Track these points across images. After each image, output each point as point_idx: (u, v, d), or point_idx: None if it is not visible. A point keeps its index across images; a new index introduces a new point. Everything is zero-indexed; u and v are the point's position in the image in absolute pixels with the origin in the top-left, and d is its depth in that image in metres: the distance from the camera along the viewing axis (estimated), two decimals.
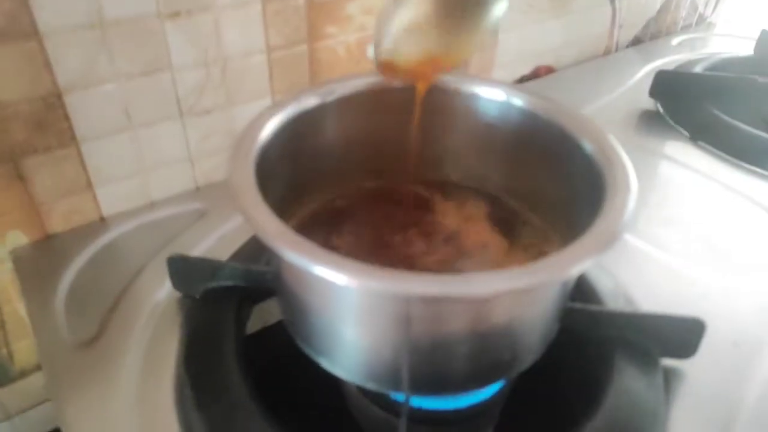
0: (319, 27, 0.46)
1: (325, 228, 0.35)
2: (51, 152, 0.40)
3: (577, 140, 0.30)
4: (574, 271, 0.24)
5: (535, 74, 0.64)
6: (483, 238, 0.34)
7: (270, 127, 0.31)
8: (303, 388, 0.35)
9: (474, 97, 0.34)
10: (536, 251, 0.33)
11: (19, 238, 0.41)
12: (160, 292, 0.38)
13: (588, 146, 0.30)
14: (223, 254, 0.39)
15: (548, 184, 0.33)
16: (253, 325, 0.38)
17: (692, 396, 0.33)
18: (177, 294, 0.38)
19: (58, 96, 0.38)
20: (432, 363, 0.27)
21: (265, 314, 0.38)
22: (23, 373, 0.47)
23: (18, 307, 0.44)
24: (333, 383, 0.35)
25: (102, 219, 0.44)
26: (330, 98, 0.34)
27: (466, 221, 0.35)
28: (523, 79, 0.64)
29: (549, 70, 0.65)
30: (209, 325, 0.35)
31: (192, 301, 0.37)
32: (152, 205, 0.45)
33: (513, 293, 0.24)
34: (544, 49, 0.64)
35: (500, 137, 0.34)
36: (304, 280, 0.27)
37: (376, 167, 0.37)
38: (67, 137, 0.40)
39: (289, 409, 0.32)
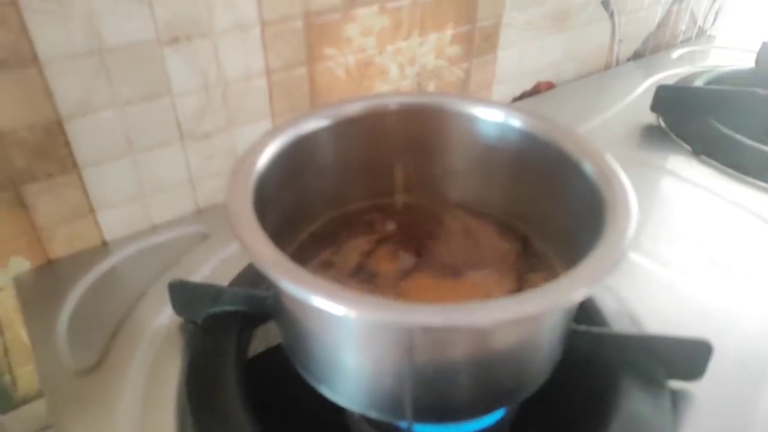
0: (318, 49, 0.46)
1: (325, 251, 0.35)
2: (52, 179, 0.40)
3: (576, 161, 0.30)
4: (575, 298, 0.23)
5: (536, 90, 0.64)
6: (484, 262, 0.34)
7: (268, 153, 0.31)
8: (305, 412, 0.35)
9: (472, 118, 0.34)
10: (538, 274, 0.33)
11: (21, 264, 0.41)
12: (162, 317, 0.38)
13: (587, 167, 0.29)
14: (226, 277, 0.39)
15: (548, 206, 0.33)
16: (256, 346, 0.38)
17: (701, 418, 0.33)
18: (178, 319, 0.38)
19: (59, 123, 0.39)
20: (435, 391, 0.27)
21: (269, 335, 0.38)
22: (26, 399, 0.47)
23: (21, 333, 0.44)
24: (335, 409, 0.34)
25: (104, 243, 0.44)
26: (327, 122, 0.34)
27: (467, 243, 0.35)
28: (523, 95, 0.64)
29: (549, 86, 0.65)
30: (211, 351, 0.35)
31: (194, 327, 0.37)
32: (154, 229, 0.45)
33: (515, 322, 0.23)
34: (545, 64, 0.64)
35: (499, 159, 0.34)
36: (303, 309, 0.27)
37: (374, 189, 0.37)
38: (68, 164, 0.40)
39: None
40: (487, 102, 0.34)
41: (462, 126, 0.35)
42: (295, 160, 0.33)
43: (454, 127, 0.35)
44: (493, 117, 0.34)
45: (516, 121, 0.34)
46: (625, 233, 0.25)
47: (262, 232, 0.26)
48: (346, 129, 0.34)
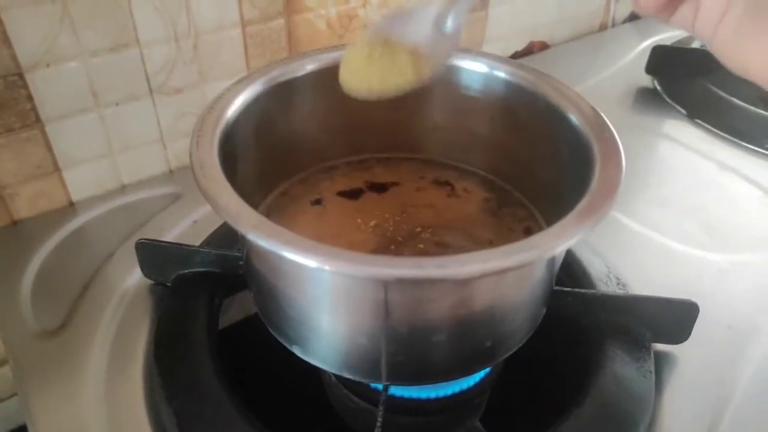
0: None
1: (300, 207, 0.33)
2: (14, 134, 0.38)
3: (564, 112, 0.28)
4: (556, 251, 0.22)
5: (529, 50, 0.62)
6: (466, 218, 0.32)
7: (239, 102, 0.29)
8: (282, 379, 0.34)
9: (456, 69, 0.32)
10: (522, 233, 0.31)
11: None
12: (130, 279, 0.36)
13: (575, 119, 0.28)
14: (197, 239, 0.38)
15: (534, 160, 0.31)
16: (234, 314, 0.37)
17: (684, 381, 0.32)
18: (148, 281, 0.36)
19: (20, 74, 0.36)
20: (411, 350, 0.26)
21: (245, 304, 0.37)
22: None
23: None
24: (312, 374, 0.33)
25: (71, 204, 0.42)
26: (303, 72, 0.32)
27: (449, 200, 0.33)
28: (515, 56, 0.62)
29: (543, 46, 0.63)
30: (181, 313, 0.33)
31: (163, 289, 0.35)
32: (123, 189, 0.43)
33: (493, 275, 0.22)
34: (538, 24, 0.61)
35: (484, 111, 0.32)
36: (274, 265, 0.26)
37: (353, 143, 0.35)
38: (31, 118, 0.38)
39: (266, 402, 0.30)
40: (472, 52, 0.32)
41: (445, 77, 0.33)
42: (268, 110, 0.31)
43: (437, 79, 0.33)
44: (477, 67, 0.32)
45: (501, 72, 0.32)
46: (615, 184, 0.24)
47: (228, 183, 0.24)
48: (323, 79, 0.32)
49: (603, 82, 0.58)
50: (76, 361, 0.32)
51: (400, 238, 0.31)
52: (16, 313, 0.35)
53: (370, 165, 0.36)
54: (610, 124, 0.27)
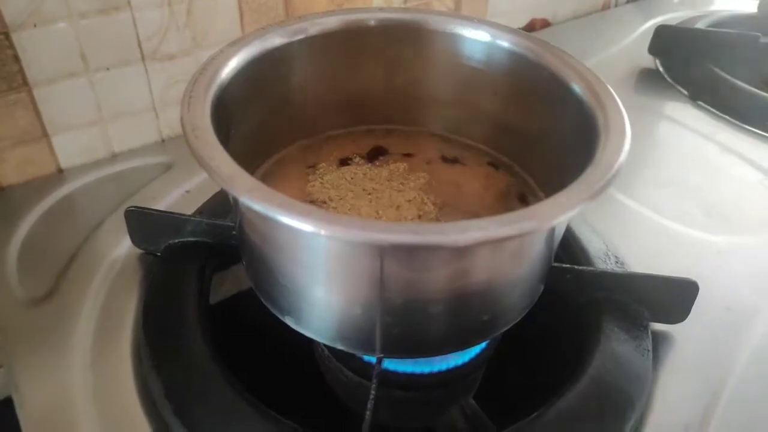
0: None
1: (297, 174, 0.32)
2: (1, 96, 0.36)
3: (568, 83, 0.27)
4: (557, 220, 0.21)
5: (530, 27, 0.61)
6: (467, 191, 0.31)
7: (232, 65, 0.28)
8: (274, 353, 0.33)
9: (458, 38, 0.31)
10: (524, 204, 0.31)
11: None
12: (120, 248, 0.36)
13: (579, 89, 0.27)
14: (189, 210, 0.37)
15: (537, 132, 0.30)
16: (227, 289, 0.36)
17: (681, 360, 0.32)
18: (137, 251, 0.35)
19: (6, 34, 0.35)
20: (406, 322, 0.25)
21: (238, 279, 0.36)
22: None
23: None
24: (305, 349, 0.33)
25: (60, 171, 0.41)
26: (299, 36, 0.30)
27: (450, 174, 0.33)
28: None
29: (544, 24, 0.62)
30: (170, 283, 0.33)
31: (153, 258, 0.35)
32: (114, 157, 0.42)
33: (492, 243, 0.21)
34: (540, 1, 0.60)
35: (486, 82, 0.32)
36: (266, 230, 0.25)
37: (352, 113, 0.34)
38: (18, 80, 0.37)
39: (258, 377, 0.30)
40: (474, 20, 0.31)
41: (446, 46, 0.32)
42: (263, 75, 0.30)
43: (438, 48, 0.32)
44: (480, 36, 0.31)
45: (504, 42, 0.31)
46: (618, 155, 0.23)
47: (221, 146, 0.23)
48: (319, 45, 0.31)
49: (605, 62, 0.57)
50: (63, 330, 0.32)
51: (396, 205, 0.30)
52: (2, 281, 0.34)
53: (369, 136, 0.35)
54: (614, 93, 0.26)
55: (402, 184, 0.31)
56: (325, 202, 0.30)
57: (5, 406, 0.47)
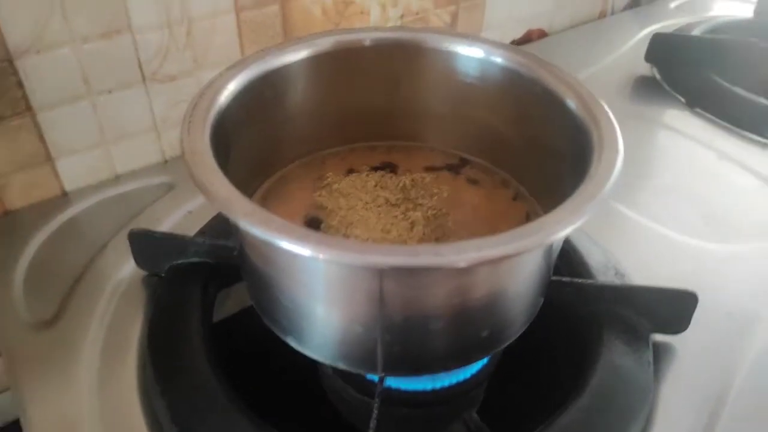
0: None
1: (302, 187, 0.32)
2: (5, 122, 0.37)
3: (561, 98, 0.28)
4: (553, 239, 0.21)
5: (527, 38, 0.61)
6: (464, 208, 0.32)
7: (231, 88, 0.28)
8: (278, 371, 0.33)
9: (452, 55, 0.32)
10: (519, 222, 0.31)
11: None
12: (124, 270, 0.36)
13: (572, 104, 0.27)
14: (191, 230, 0.37)
15: (531, 147, 0.31)
16: (230, 307, 0.36)
17: (683, 371, 0.32)
18: (141, 272, 0.36)
19: (10, 61, 0.36)
20: (407, 340, 0.25)
21: (240, 297, 0.36)
22: None
23: None
24: (309, 366, 0.33)
25: (64, 193, 0.41)
26: (296, 57, 0.31)
27: (446, 188, 0.33)
28: (514, 44, 0.61)
29: (541, 34, 0.62)
30: (175, 304, 0.33)
31: (157, 280, 0.35)
32: (117, 179, 0.43)
33: (489, 263, 0.21)
34: (537, 11, 0.61)
35: (480, 98, 0.32)
36: (266, 253, 0.25)
37: (351, 130, 0.34)
38: (22, 106, 0.37)
39: (261, 394, 0.30)
40: (468, 37, 0.32)
41: (441, 64, 0.32)
42: (262, 96, 0.30)
43: (434, 65, 0.33)
44: (474, 53, 0.32)
45: (498, 58, 0.31)
46: (613, 169, 0.23)
47: (219, 170, 0.24)
48: (317, 65, 0.32)
49: (602, 71, 0.57)
50: (69, 352, 0.32)
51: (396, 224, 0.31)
52: (9, 304, 0.34)
53: (372, 151, 0.35)
54: (608, 109, 0.27)
55: (407, 197, 0.32)
56: (333, 211, 0.31)
57: (13, 428, 0.47)
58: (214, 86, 0.28)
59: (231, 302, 0.37)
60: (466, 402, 0.31)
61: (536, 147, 0.30)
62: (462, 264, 0.21)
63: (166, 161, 0.44)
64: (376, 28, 0.33)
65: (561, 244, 0.27)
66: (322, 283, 0.24)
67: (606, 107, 0.27)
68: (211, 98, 0.27)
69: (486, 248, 0.20)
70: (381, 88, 0.33)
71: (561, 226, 0.21)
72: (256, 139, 0.31)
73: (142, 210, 0.40)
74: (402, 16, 0.51)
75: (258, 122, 0.30)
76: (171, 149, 0.44)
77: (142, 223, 0.39)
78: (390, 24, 0.50)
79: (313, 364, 0.33)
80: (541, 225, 0.22)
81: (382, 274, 0.22)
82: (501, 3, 0.56)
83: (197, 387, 0.29)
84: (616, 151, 0.24)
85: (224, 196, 0.22)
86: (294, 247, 0.21)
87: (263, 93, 0.30)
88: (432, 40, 0.32)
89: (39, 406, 0.30)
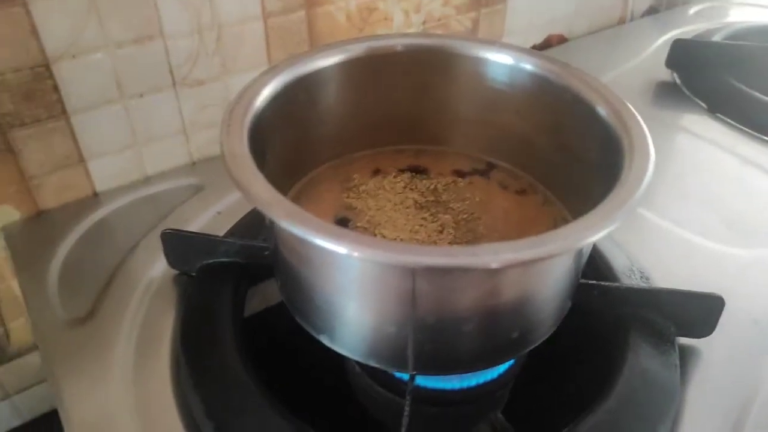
0: None
1: (332, 188, 0.33)
2: (40, 124, 0.38)
3: (592, 105, 0.28)
4: (586, 242, 0.22)
5: (547, 43, 0.62)
6: (495, 213, 0.32)
7: (266, 93, 0.29)
8: (306, 368, 0.34)
9: (482, 61, 0.32)
10: (550, 226, 0.31)
11: (10, 214, 0.40)
12: (155, 268, 0.37)
13: (603, 111, 0.28)
14: (220, 230, 0.38)
15: (561, 154, 0.31)
16: (257, 304, 0.37)
17: (709, 375, 0.32)
18: (172, 271, 0.36)
19: (46, 65, 0.37)
20: (438, 340, 0.26)
21: (268, 294, 0.37)
22: (20, 352, 0.46)
23: (13, 285, 0.43)
24: (337, 363, 0.33)
25: (95, 194, 0.42)
26: (328, 63, 0.32)
27: (478, 193, 0.33)
28: (534, 49, 0.61)
29: (561, 39, 0.63)
30: (206, 302, 0.34)
31: (188, 279, 0.36)
32: (147, 180, 0.44)
33: (522, 265, 0.22)
34: (556, 17, 0.61)
35: (509, 104, 0.32)
36: (302, 252, 0.26)
37: (377, 134, 0.35)
38: (57, 109, 0.38)
39: (291, 390, 0.30)
40: (498, 44, 0.32)
41: (471, 69, 0.33)
42: (295, 101, 0.31)
43: (463, 71, 0.33)
44: (503, 59, 0.32)
45: (527, 64, 0.32)
46: (643, 176, 0.24)
47: (259, 172, 0.24)
48: (348, 70, 0.32)
49: (622, 76, 0.58)
50: (104, 348, 0.33)
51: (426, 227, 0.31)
52: (45, 302, 0.35)
53: (400, 155, 0.36)
54: (638, 116, 0.27)
55: (437, 200, 0.32)
56: (362, 211, 0.31)
57: (43, 421, 0.49)
58: (251, 91, 0.29)
59: (256, 300, 0.37)
60: (492, 402, 0.32)
61: (565, 153, 0.31)
62: (497, 265, 0.21)
63: (194, 163, 0.45)
64: (406, 35, 0.34)
65: (590, 248, 0.27)
66: (357, 282, 0.25)
67: (637, 114, 0.27)
68: (248, 102, 0.28)
69: (522, 250, 0.21)
70: (410, 93, 0.34)
71: (593, 231, 0.22)
72: (290, 142, 0.31)
73: (172, 210, 0.41)
74: (424, 22, 0.51)
75: (291, 125, 0.31)
76: (199, 151, 0.45)
77: (172, 223, 0.40)
78: (412, 30, 0.51)
79: (341, 361, 0.33)
80: (575, 229, 0.22)
81: (415, 273, 0.23)
82: (521, 9, 0.57)
83: (230, 383, 0.29)
84: (648, 157, 0.24)
85: (266, 197, 0.23)
86: (332, 245, 0.21)
87: (297, 97, 0.31)
88: (462, 47, 0.33)
89: (76, 399, 0.30)
